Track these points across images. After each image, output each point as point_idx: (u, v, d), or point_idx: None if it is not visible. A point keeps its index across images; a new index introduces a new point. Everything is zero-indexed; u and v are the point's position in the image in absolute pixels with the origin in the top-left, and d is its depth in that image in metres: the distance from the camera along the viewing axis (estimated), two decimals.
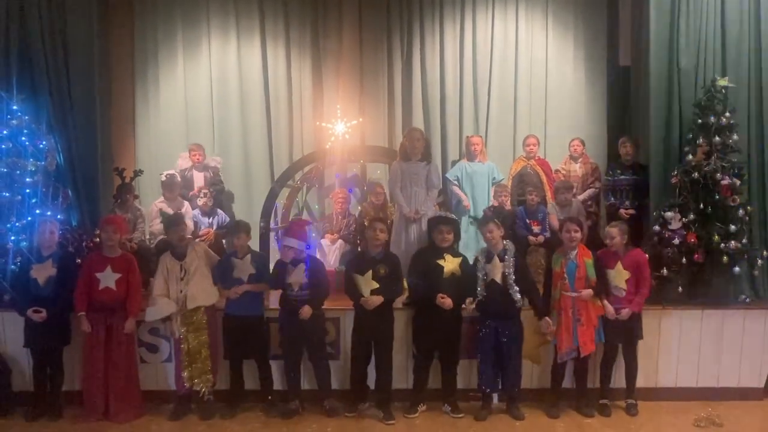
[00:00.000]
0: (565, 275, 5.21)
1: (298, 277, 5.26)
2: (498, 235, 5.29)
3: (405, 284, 5.44)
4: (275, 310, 5.45)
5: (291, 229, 5.48)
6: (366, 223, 6.87)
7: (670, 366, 5.66)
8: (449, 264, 5.27)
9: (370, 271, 5.25)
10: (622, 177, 6.60)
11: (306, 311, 5.16)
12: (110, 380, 5.19)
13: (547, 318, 5.23)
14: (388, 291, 5.25)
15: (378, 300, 5.17)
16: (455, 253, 5.42)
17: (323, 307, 5.40)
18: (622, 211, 6.41)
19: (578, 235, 5.28)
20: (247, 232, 5.48)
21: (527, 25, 8.34)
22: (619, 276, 5.26)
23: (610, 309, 5.23)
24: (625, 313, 5.20)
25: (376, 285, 5.22)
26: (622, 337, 5.32)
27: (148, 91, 8.34)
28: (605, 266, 5.31)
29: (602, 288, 5.27)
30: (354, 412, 5.32)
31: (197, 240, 6.26)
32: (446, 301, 5.13)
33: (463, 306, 5.26)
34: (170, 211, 6.76)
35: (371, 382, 5.44)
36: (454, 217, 5.95)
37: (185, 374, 5.22)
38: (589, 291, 5.20)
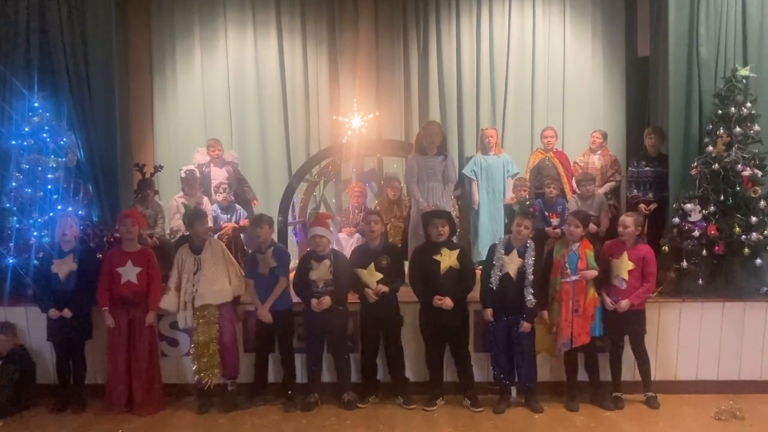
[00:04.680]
0: (567, 264, 5.19)
1: (322, 273, 5.28)
2: (528, 233, 5.26)
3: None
4: (297, 303, 5.48)
5: (317, 220, 5.52)
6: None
7: (690, 359, 5.62)
8: (446, 259, 5.22)
9: (372, 264, 5.28)
10: (647, 168, 6.51)
11: (326, 302, 5.20)
12: (133, 373, 5.27)
13: (545, 311, 5.22)
14: (392, 281, 5.28)
15: (382, 288, 5.21)
16: (452, 246, 5.36)
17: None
18: (642, 206, 6.34)
19: (579, 230, 5.23)
20: (269, 224, 5.48)
21: (544, 16, 8.29)
22: (623, 266, 5.21)
23: (607, 301, 5.21)
24: (624, 303, 5.15)
25: (380, 276, 5.26)
26: (624, 331, 5.29)
27: (165, 86, 8.41)
28: (611, 255, 5.29)
29: (602, 279, 5.25)
30: (366, 403, 5.36)
31: (215, 235, 6.31)
32: (445, 302, 5.13)
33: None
34: (190, 206, 6.82)
35: (381, 373, 5.51)
36: (449, 208, 5.90)
37: (194, 367, 5.29)
38: (593, 272, 5.17)
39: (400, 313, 5.43)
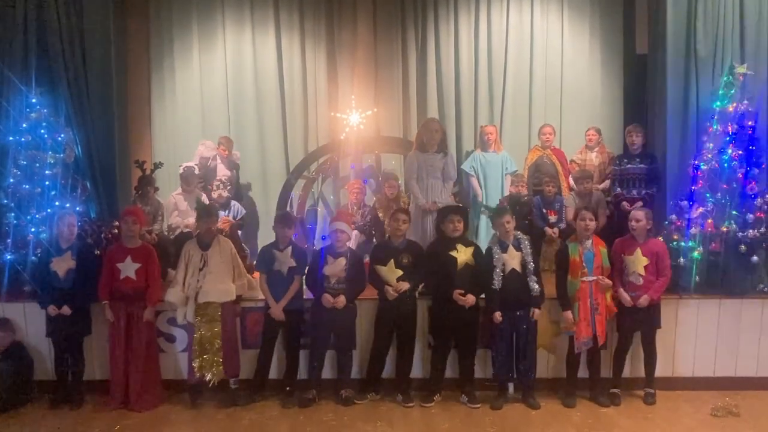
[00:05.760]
0: (584, 264, 5.19)
1: (337, 269, 5.27)
2: (513, 225, 5.29)
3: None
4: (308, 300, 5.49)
5: (339, 216, 5.54)
6: (380, 214, 6.91)
7: (687, 355, 5.64)
8: (462, 254, 5.25)
9: (392, 261, 5.28)
10: (629, 166, 6.51)
11: (341, 301, 5.22)
12: (131, 369, 5.27)
13: (569, 312, 5.21)
14: (412, 279, 5.29)
15: (404, 286, 5.22)
16: (467, 243, 5.39)
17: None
18: (625, 204, 6.33)
19: (593, 224, 5.26)
20: (296, 224, 5.49)
21: (543, 13, 8.28)
22: (638, 262, 5.22)
23: (626, 297, 5.21)
24: (644, 300, 5.17)
25: (400, 272, 5.26)
26: (640, 325, 5.31)
27: (164, 83, 8.40)
28: (623, 253, 5.29)
29: (616, 278, 5.26)
30: (364, 400, 5.37)
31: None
32: (468, 299, 5.14)
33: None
34: (185, 204, 6.82)
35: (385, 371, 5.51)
36: (462, 205, 5.92)
37: (196, 364, 5.28)
38: (610, 282, 5.20)
39: (416, 312, 5.42)
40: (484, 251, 5.39)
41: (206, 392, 5.39)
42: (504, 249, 5.23)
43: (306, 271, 5.49)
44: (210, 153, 7.57)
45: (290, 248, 5.40)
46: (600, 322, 5.18)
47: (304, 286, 5.53)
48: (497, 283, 5.15)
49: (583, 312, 5.17)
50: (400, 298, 5.26)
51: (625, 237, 5.40)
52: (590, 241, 5.25)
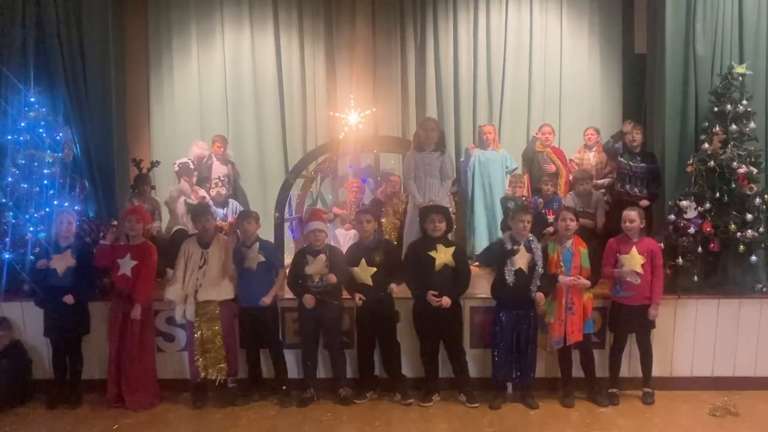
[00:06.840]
0: (561, 263, 5.19)
1: (319, 266, 5.26)
2: (530, 227, 5.27)
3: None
4: (290, 299, 5.47)
5: (315, 215, 5.53)
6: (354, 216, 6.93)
7: (685, 355, 5.63)
8: (441, 255, 5.21)
9: (363, 260, 5.28)
10: (631, 164, 6.40)
11: (308, 301, 5.22)
12: (124, 367, 5.25)
13: (540, 293, 5.16)
14: (389, 278, 5.30)
15: (393, 290, 5.24)
16: (448, 243, 5.34)
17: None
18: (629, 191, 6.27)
19: (573, 224, 5.23)
20: (256, 219, 5.46)
21: (542, 13, 8.30)
22: (634, 261, 5.20)
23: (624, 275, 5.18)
24: (653, 314, 5.20)
25: (373, 270, 5.25)
26: (635, 326, 5.31)
27: (162, 81, 8.41)
28: (618, 252, 5.29)
29: (597, 278, 5.24)
30: (363, 399, 5.37)
31: None
32: (443, 301, 5.11)
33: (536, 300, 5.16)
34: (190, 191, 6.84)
35: (379, 369, 5.52)
36: (446, 205, 5.90)
37: (199, 363, 5.27)
38: (586, 282, 5.16)
39: (395, 309, 5.43)
40: (489, 245, 5.37)
41: (205, 392, 5.40)
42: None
43: (284, 265, 5.50)
44: (205, 152, 7.57)
45: (257, 244, 5.37)
46: (572, 322, 5.16)
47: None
48: (510, 279, 5.12)
49: (558, 311, 5.17)
50: (375, 298, 5.26)
51: (619, 236, 5.40)
52: (570, 241, 5.24)
